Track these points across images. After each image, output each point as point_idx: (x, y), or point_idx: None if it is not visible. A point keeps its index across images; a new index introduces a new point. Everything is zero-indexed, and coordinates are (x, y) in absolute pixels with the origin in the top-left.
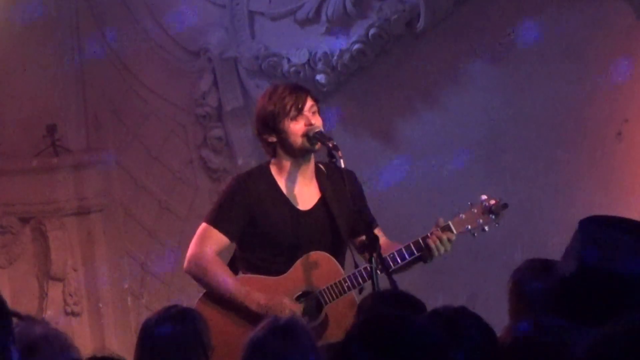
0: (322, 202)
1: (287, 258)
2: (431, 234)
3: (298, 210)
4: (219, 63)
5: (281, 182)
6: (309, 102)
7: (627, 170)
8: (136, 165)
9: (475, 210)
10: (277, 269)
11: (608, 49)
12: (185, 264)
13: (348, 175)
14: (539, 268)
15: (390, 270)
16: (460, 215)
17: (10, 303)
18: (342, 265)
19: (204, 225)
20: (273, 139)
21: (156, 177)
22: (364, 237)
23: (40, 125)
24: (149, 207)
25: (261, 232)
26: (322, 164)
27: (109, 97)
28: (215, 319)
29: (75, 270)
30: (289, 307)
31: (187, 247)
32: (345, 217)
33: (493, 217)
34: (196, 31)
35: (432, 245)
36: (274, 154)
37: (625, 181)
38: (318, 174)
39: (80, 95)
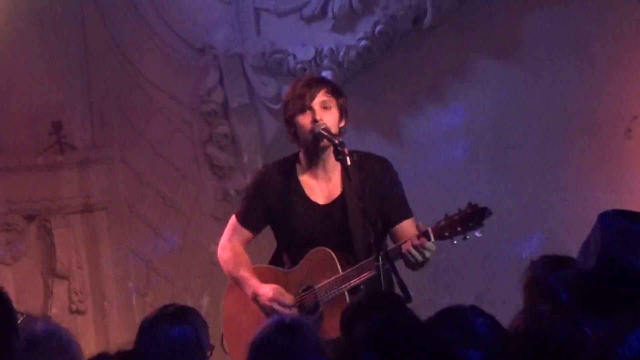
0: (340, 199)
1: (303, 250)
2: (408, 239)
3: (314, 203)
4: (225, 60)
5: (302, 176)
6: (321, 97)
7: (637, 168)
8: (141, 163)
9: (457, 217)
10: (297, 260)
11: (616, 44)
12: (218, 251)
13: (385, 173)
14: (554, 263)
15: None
16: (442, 222)
17: (14, 301)
18: (359, 260)
19: (233, 217)
20: (290, 130)
21: (161, 174)
22: (401, 228)
23: (46, 122)
24: (154, 205)
25: (281, 224)
26: (358, 153)
27: (114, 94)
28: (237, 305)
29: (80, 268)
30: (276, 299)
31: (192, 244)
32: (372, 211)
33: (471, 224)
34: (202, 28)
35: (405, 252)
36: (298, 145)
37: (635, 179)
38: (345, 166)
39: (85, 92)
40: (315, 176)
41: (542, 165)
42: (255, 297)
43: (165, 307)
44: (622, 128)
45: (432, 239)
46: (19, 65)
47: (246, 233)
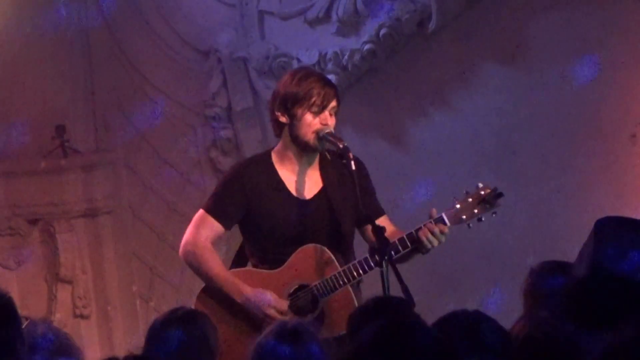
0: (323, 192)
1: (287, 248)
2: (424, 225)
3: (297, 199)
4: (229, 63)
5: (281, 171)
6: (333, 103)
7: None
8: (145, 167)
9: (471, 200)
10: (279, 258)
11: (621, 49)
12: (180, 249)
13: (358, 170)
14: (554, 269)
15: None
16: (456, 206)
17: (18, 306)
18: (350, 255)
19: (200, 211)
20: (284, 119)
21: (165, 179)
22: (371, 232)
23: (49, 126)
24: (157, 209)
25: (259, 221)
26: (329, 152)
27: (117, 98)
28: (211, 314)
29: (84, 272)
30: (273, 305)
31: None
32: (350, 208)
33: (488, 206)
34: (206, 31)
35: (424, 238)
36: (280, 135)
37: (639, 184)
38: (323, 162)
39: (89, 96)
40: (295, 171)
41: (547, 171)
42: (246, 302)
43: (175, 310)
44: (626, 133)
45: (449, 224)
46: (23, 69)
47: (216, 227)
